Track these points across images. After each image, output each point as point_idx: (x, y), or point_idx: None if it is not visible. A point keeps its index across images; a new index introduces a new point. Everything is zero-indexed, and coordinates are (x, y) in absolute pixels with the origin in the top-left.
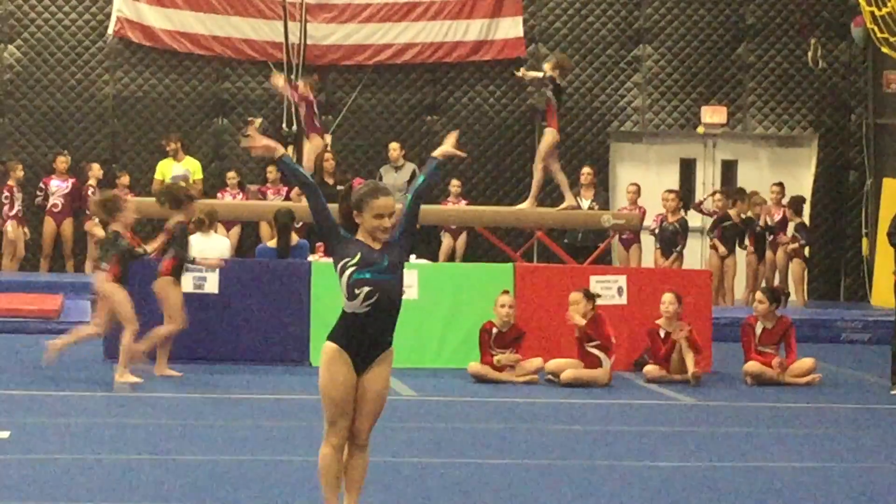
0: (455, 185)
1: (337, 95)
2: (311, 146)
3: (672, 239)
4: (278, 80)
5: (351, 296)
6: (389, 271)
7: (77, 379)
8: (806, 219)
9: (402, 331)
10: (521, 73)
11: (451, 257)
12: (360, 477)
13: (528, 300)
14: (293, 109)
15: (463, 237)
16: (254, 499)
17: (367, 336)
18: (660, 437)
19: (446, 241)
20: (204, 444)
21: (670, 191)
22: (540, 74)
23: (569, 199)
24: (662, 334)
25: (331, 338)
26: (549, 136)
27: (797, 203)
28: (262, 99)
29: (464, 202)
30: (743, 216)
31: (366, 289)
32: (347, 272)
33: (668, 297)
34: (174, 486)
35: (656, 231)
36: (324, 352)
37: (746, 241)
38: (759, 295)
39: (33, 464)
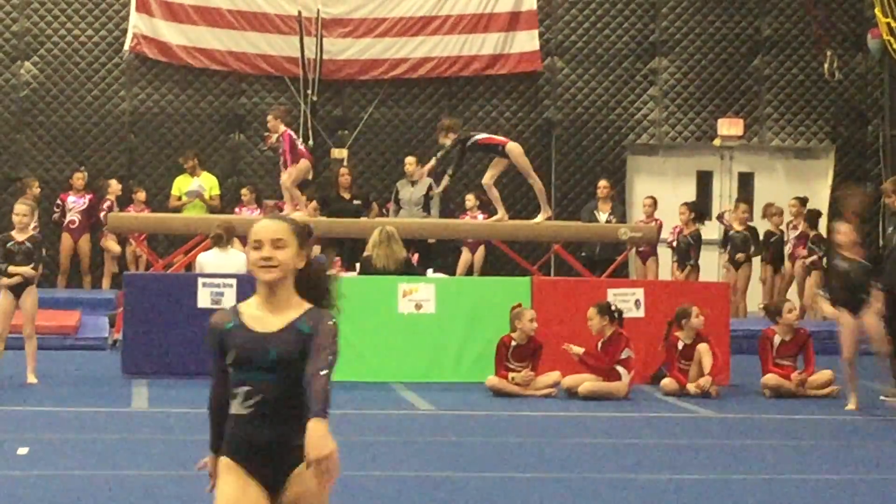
0: (470, 199)
1: (353, 110)
2: (301, 168)
3: (686, 251)
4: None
5: (231, 393)
6: (273, 370)
7: (95, 395)
8: (823, 231)
9: (419, 345)
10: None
11: (469, 271)
12: None
13: (545, 313)
14: (309, 125)
15: (481, 251)
16: None
17: (255, 445)
18: (678, 449)
19: (464, 255)
20: None
21: (685, 204)
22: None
23: (501, 213)
24: (681, 346)
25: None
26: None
27: (813, 216)
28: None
29: (481, 216)
30: (750, 224)
31: (244, 388)
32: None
33: (694, 310)
34: (192, 502)
35: (674, 244)
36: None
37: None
38: (789, 304)
39: (52, 480)
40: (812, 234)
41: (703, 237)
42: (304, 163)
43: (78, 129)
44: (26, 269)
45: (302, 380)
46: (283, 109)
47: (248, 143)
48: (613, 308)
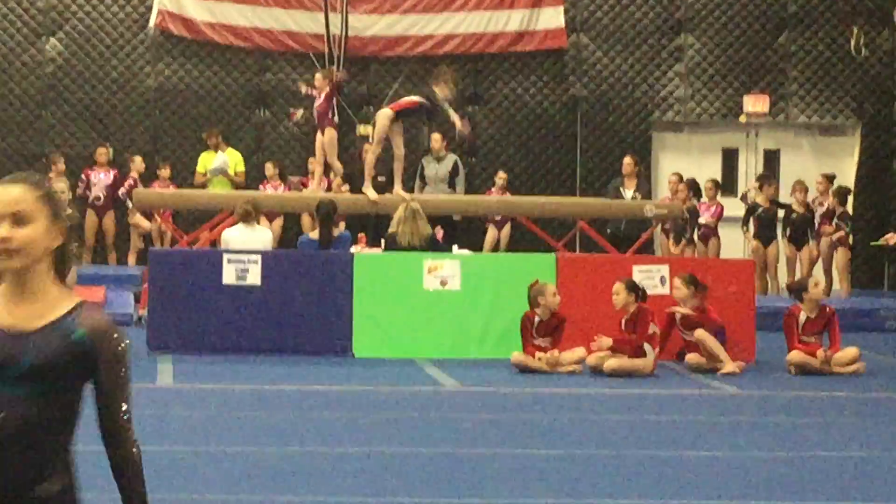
0: (501, 177)
1: (378, 87)
2: (327, 139)
3: (682, 226)
4: (301, 86)
5: None
6: (23, 382)
7: None
8: (849, 207)
9: (444, 321)
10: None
11: (495, 248)
12: None
13: (570, 290)
14: (335, 101)
15: (507, 228)
16: (296, 490)
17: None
18: (703, 426)
19: (490, 232)
20: (247, 436)
21: (678, 177)
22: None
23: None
24: (678, 318)
25: None
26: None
27: (842, 193)
28: (304, 91)
29: (508, 194)
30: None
31: None
32: None
33: (676, 282)
34: (216, 478)
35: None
36: None
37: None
38: (814, 279)
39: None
40: (840, 210)
41: (727, 214)
42: (333, 132)
43: (103, 105)
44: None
45: (59, 400)
46: (332, 70)
47: (272, 119)
48: (634, 283)
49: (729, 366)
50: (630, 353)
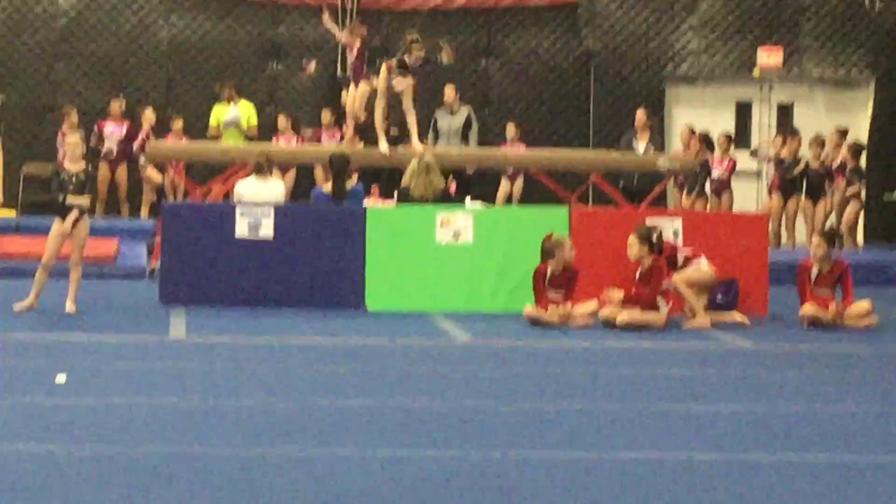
0: (511, 129)
1: (391, 40)
2: (360, 93)
3: (694, 179)
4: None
5: None
6: None
7: (133, 324)
8: (862, 162)
9: (457, 275)
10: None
11: (507, 201)
12: None
13: (583, 243)
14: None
15: (520, 181)
16: (308, 443)
17: None
18: (716, 380)
19: (503, 185)
20: (259, 389)
21: (690, 129)
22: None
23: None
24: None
25: None
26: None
27: (856, 148)
28: (317, 43)
29: (521, 146)
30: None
31: None
32: None
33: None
34: (229, 431)
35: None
36: None
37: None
38: (815, 239)
39: (90, 408)
40: (852, 165)
41: (739, 167)
42: (366, 87)
43: (116, 58)
44: (84, 201)
45: None
46: (356, 24)
47: (285, 71)
48: (654, 237)
49: (698, 320)
50: (643, 306)
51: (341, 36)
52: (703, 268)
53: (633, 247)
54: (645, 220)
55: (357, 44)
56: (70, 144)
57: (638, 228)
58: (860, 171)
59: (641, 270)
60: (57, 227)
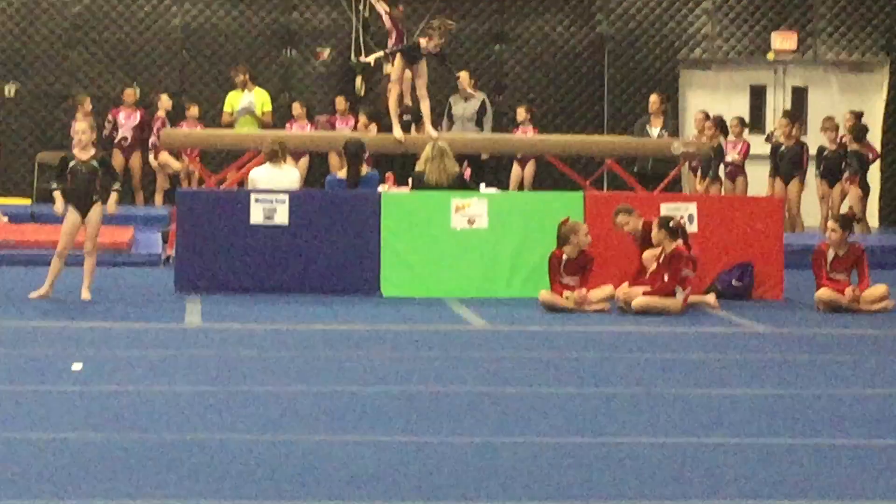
0: (521, 112)
1: (405, 25)
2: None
3: (707, 163)
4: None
5: None
6: None
7: (148, 311)
8: (877, 144)
9: (472, 260)
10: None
11: (519, 186)
12: None
13: (598, 228)
14: (361, 39)
15: (531, 166)
16: (324, 429)
17: None
18: (731, 364)
19: (515, 169)
20: (275, 376)
21: (703, 113)
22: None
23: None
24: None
25: None
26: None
27: (858, 130)
28: (331, 30)
29: (531, 130)
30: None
31: None
32: None
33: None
34: (245, 418)
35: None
36: None
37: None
38: (830, 223)
39: (105, 395)
40: (854, 147)
41: (753, 151)
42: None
43: (130, 45)
44: (112, 204)
45: None
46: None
47: (299, 58)
48: (673, 223)
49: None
50: (661, 292)
51: (387, 20)
52: None
53: (654, 233)
54: (659, 205)
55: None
56: (77, 132)
57: (662, 216)
58: (859, 155)
59: (661, 256)
60: (71, 215)
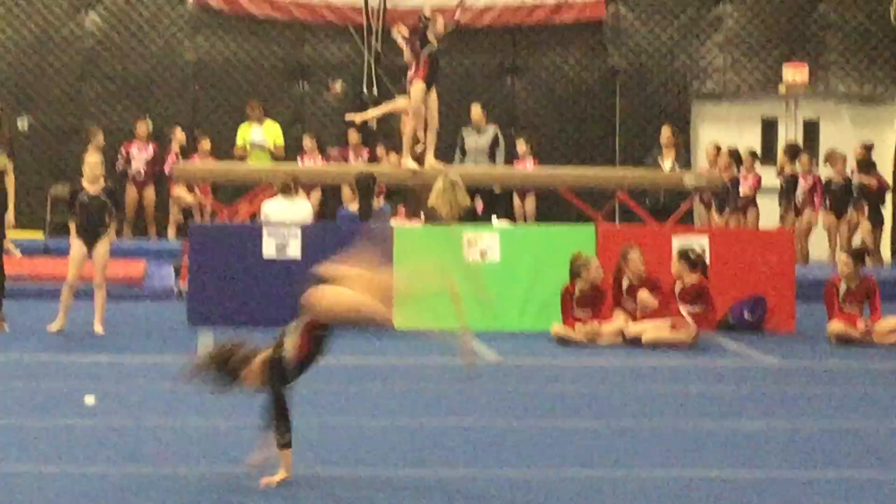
0: (521, 144)
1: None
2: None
3: (724, 197)
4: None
5: None
6: None
7: (161, 344)
8: (888, 176)
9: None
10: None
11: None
12: None
13: (610, 261)
14: (373, 74)
15: (531, 199)
16: (338, 462)
17: None
18: (744, 397)
19: (516, 202)
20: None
21: (717, 146)
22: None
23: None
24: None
25: None
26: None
27: (865, 161)
28: (342, 63)
29: (532, 162)
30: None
31: None
32: None
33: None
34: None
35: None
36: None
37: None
38: (843, 256)
39: (119, 429)
40: (857, 179)
41: (765, 184)
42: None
43: (142, 79)
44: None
45: None
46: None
47: (311, 92)
48: (694, 256)
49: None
50: (673, 323)
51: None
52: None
53: (674, 264)
54: (671, 238)
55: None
56: (87, 164)
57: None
58: (862, 188)
59: (682, 288)
60: (77, 245)
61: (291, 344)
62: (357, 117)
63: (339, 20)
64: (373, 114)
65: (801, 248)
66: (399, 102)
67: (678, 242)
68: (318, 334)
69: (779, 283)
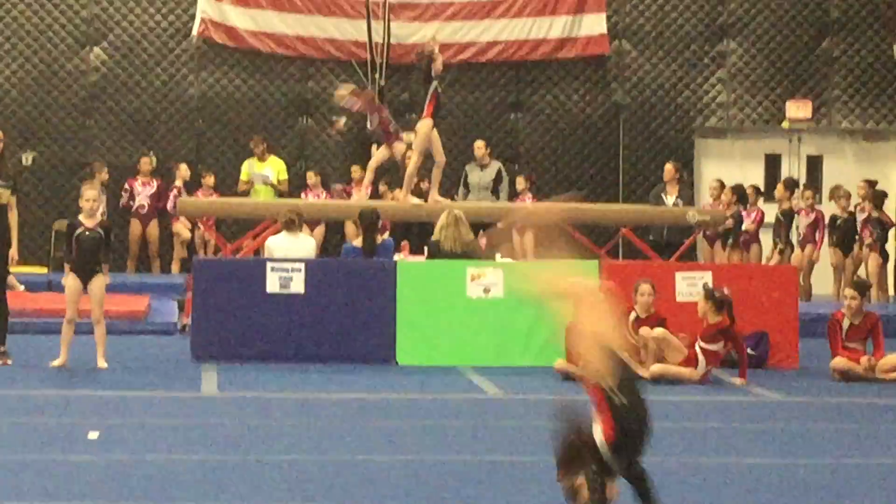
0: (521, 182)
1: (421, 94)
2: (398, 150)
3: (725, 232)
4: (343, 91)
5: None
6: None
7: (165, 379)
8: (892, 214)
9: (488, 329)
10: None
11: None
12: None
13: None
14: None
15: (530, 234)
16: (340, 499)
17: None
18: (748, 433)
19: (515, 238)
20: (291, 444)
21: (719, 182)
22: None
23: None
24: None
25: None
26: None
27: (877, 197)
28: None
29: (531, 199)
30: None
31: None
32: None
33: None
34: (262, 486)
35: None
36: None
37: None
38: (849, 291)
39: (122, 464)
40: (874, 215)
41: (768, 220)
42: (399, 145)
43: (147, 114)
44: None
45: None
46: (356, 89)
47: (315, 127)
48: (720, 295)
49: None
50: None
51: (359, 104)
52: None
53: (700, 304)
54: (675, 274)
55: (368, 108)
56: (88, 199)
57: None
58: (881, 222)
59: (706, 327)
60: (72, 281)
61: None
62: (356, 194)
63: (343, 55)
64: (368, 181)
65: (803, 284)
66: (382, 152)
67: (681, 278)
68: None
69: (782, 319)
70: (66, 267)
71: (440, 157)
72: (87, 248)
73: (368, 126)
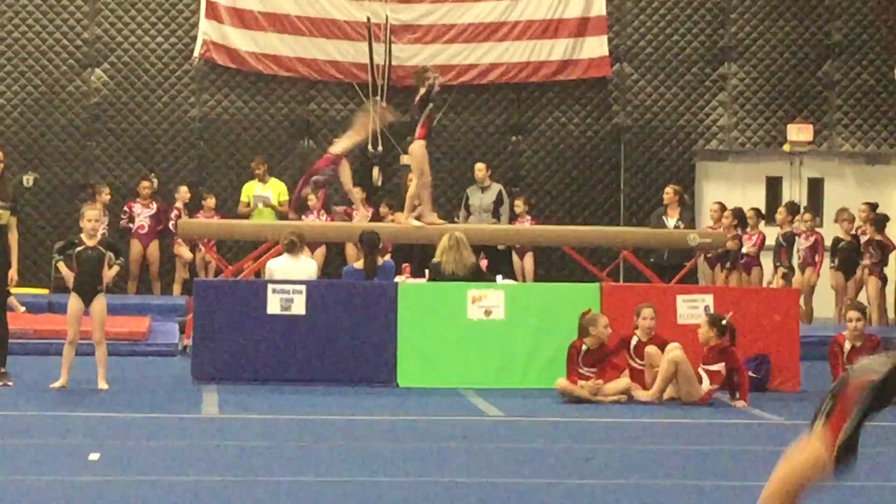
0: (519, 204)
1: (413, 116)
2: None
3: (725, 255)
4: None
5: None
6: None
7: (165, 401)
8: (893, 236)
9: (489, 351)
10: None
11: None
12: None
13: (614, 319)
14: (378, 131)
15: (529, 257)
16: None
17: None
18: (750, 456)
19: (515, 260)
20: (292, 466)
21: (720, 205)
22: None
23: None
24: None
25: None
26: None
27: (879, 220)
28: (348, 121)
29: (529, 221)
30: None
31: None
32: None
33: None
34: None
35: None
36: None
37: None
38: (853, 314)
39: (123, 486)
40: (875, 238)
41: (769, 242)
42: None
43: (148, 135)
44: (111, 273)
45: None
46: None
47: (316, 149)
48: (725, 322)
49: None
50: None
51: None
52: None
53: (702, 329)
54: (676, 297)
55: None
56: (88, 220)
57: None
58: (882, 245)
59: (706, 352)
60: (74, 301)
61: None
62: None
63: (345, 77)
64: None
65: (804, 307)
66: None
67: (682, 301)
68: None
69: (783, 341)
70: (62, 267)
71: (426, 176)
72: (87, 268)
73: (370, 149)
